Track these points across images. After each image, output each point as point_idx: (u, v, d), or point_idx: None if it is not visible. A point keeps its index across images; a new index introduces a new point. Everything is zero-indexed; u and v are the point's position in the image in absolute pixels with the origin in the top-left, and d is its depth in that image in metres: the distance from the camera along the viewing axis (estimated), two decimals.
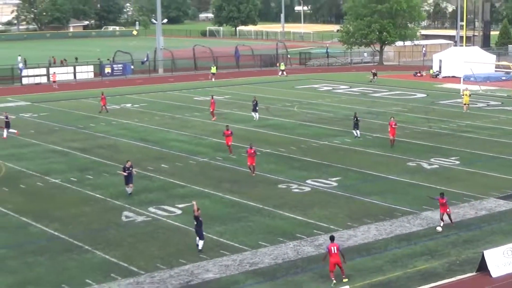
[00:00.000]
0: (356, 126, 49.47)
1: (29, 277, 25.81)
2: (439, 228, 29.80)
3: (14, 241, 29.61)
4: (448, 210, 30.20)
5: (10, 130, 51.88)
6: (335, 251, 24.55)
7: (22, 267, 26.71)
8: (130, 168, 35.64)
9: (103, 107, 62.41)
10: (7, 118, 52.19)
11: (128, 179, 35.62)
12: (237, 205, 34.19)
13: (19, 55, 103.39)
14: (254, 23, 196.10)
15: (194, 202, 28.73)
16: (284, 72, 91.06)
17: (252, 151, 39.24)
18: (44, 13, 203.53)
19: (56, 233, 30.49)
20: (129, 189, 35.62)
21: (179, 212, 33.05)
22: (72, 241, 29.40)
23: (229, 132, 44.60)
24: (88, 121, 58.53)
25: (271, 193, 36.00)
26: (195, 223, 27.88)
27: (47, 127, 56.47)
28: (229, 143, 44.48)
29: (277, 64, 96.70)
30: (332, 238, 25.27)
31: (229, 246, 28.47)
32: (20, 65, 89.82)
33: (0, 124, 52.39)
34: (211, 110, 58.25)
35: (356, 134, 49.23)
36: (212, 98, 60.05)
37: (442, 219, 30.20)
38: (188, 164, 42.72)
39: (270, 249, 28.06)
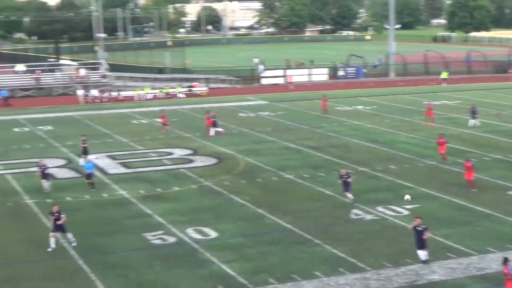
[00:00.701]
0: None
1: (263, 265, 27.07)
2: None
3: (251, 231, 31.21)
4: None
5: (217, 129, 54.40)
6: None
7: (257, 256, 28.10)
8: (345, 176, 35.13)
9: (324, 109, 64.01)
10: (214, 117, 54.74)
11: (346, 187, 35.11)
12: (464, 209, 33.89)
13: (256, 57, 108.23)
14: (487, 29, 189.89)
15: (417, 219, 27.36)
16: None
17: (470, 165, 37.16)
18: (283, 18, 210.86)
19: (288, 226, 31.75)
20: (349, 196, 35.18)
21: (406, 212, 33.24)
22: (303, 234, 30.50)
23: (443, 141, 43.61)
24: (321, 121, 60.30)
25: (500, 199, 35.30)
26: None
27: (283, 125, 58.88)
28: (442, 152, 43.52)
29: (509, 71, 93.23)
30: (506, 260, 23.15)
31: (455, 249, 28.35)
32: (261, 66, 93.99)
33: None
34: (428, 115, 57.98)
35: None
36: (430, 103, 59.77)
37: None
38: (416, 167, 42.83)
39: (498, 255, 27.40)
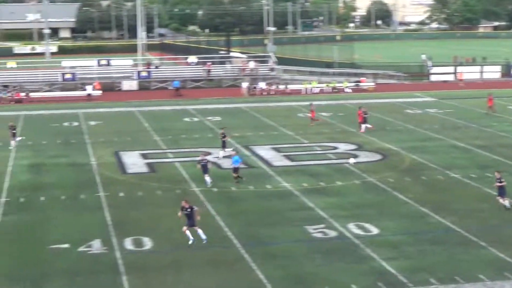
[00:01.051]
0: None
1: (423, 264, 26.60)
2: None
3: (413, 229, 30.73)
4: None
5: (367, 125, 53.56)
6: None
7: (417, 254, 27.64)
8: (498, 180, 33.02)
9: (490, 107, 61.70)
10: (365, 113, 54.04)
11: (500, 191, 33.14)
12: None
13: (423, 54, 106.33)
14: None
15: None
16: None
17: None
18: (456, 14, 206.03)
19: (452, 226, 30.98)
20: (506, 202, 33.17)
21: None
22: (467, 235, 29.66)
23: None
24: (490, 120, 58.43)
25: None
26: None
27: (451, 123, 57.57)
28: None
29: None
30: None
31: None
32: (429, 63, 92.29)
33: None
34: None
35: None
36: None
37: None
38: None
39: None
